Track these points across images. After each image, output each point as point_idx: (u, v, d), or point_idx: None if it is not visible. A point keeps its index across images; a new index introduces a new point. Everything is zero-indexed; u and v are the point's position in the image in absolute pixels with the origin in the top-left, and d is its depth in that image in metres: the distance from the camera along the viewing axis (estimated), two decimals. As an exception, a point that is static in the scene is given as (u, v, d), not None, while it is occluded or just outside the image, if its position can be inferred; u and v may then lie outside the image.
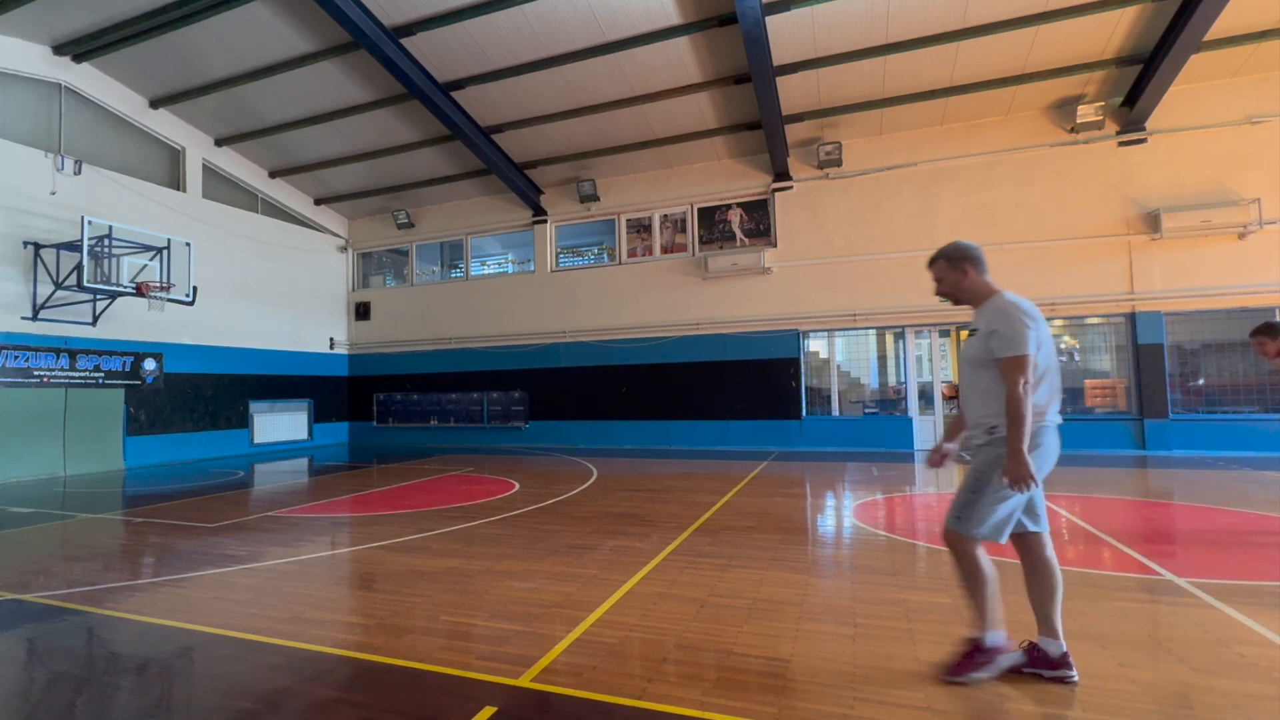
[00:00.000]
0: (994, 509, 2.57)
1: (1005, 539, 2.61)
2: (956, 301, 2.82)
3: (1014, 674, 2.59)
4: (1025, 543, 2.68)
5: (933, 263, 2.83)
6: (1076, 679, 2.54)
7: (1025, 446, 2.41)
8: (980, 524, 2.60)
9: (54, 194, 10.65)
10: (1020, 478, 2.41)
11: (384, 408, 16.30)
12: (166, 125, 12.74)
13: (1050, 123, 11.26)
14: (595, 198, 14.05)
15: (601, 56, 10.57)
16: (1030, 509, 2.63)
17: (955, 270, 2.76)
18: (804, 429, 12.59)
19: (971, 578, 2.64)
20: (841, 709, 2.38)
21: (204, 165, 13.47)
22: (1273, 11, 9.13)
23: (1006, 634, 2.62)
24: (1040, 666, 2.59)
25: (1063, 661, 2.57)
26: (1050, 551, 2.66)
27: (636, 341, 13.84)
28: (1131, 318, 10.81)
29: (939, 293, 2.86)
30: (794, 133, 12.21)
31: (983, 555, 2.65)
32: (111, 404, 11.37)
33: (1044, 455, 2.57)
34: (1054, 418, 2.62)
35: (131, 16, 10.10)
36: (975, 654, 2.59)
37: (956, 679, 2.57)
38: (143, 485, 9.25)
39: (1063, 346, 11.52)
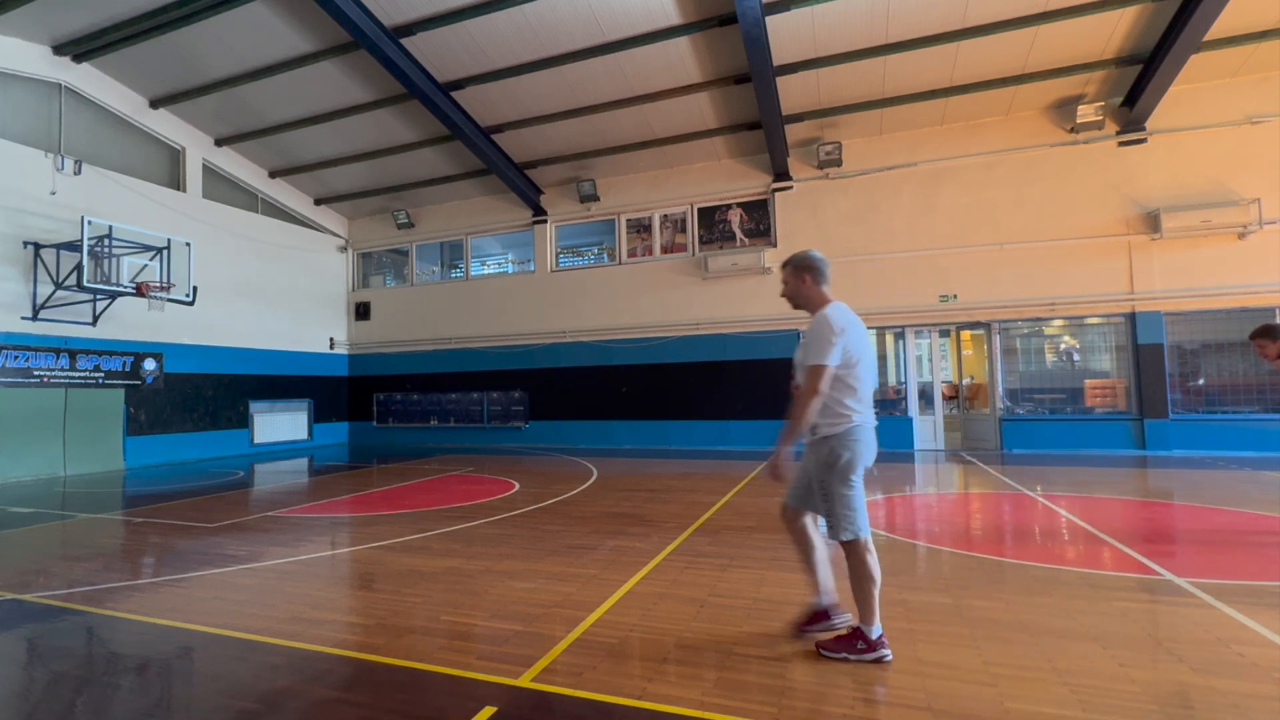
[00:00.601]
0: (856, 503, 2.81)
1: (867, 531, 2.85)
2: (796, 306, 3.03)
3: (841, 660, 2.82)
4: (790, 514, 3.01)
5: (784, 266, 3.04)
6: (890, 656, 2.78)
7: (789, 443, 2.73)
8: (856, 524, 2.81)
9: (54, 194, 10.65)
10: (775, 475, 2.75)
11: (384, 408, 16.30)
12: (166, 125, 12.74)
13: (1050, 123, 11.26)
14: (595, 198, 14.05)
15: (601, 56, 10.57)
16: (801, 487, 2.95)
17: (796, 278, 2.98)
18: (804, 429, 12.56)
19: (868, 579, 2.84)
20: (841, 709, 2.38)
21: (204, 165, 13.47)
22: (1273, 11, 9.13)
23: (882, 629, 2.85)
24: (854, 648, 2.83)
25: (881, 641, 2.80)
26: (812, 527, 3.02)
27: (636, 341, 13.84)
28: (1131, 318, 10.81)
29: (783, 294, 3.07)
30: (794, 133, 12.21)
31: (874, 554, 2.87)
32: (111, 404, 11.37)
33: (866, 454, 2.82)
34: (870, 419, 2.87)
35: (131, 16, 10.10)
36: (857, 639, 2.81)
37: (839, 655, 2.80)
38: (143, 485, 9.25)
39: (1062, 346, 11.53)
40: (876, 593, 2.82)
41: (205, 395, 13.02)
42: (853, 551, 2.83)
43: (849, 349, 2.77)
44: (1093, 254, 10.96)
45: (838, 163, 12.18)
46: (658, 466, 10.19)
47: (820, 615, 3.00)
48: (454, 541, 5.23)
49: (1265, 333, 5.00)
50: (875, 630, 2.80)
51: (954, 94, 10.86)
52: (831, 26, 9.77)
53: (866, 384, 2.81)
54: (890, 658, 2.78)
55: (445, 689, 2.61)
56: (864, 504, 2.84)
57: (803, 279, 2.95)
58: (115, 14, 10.10)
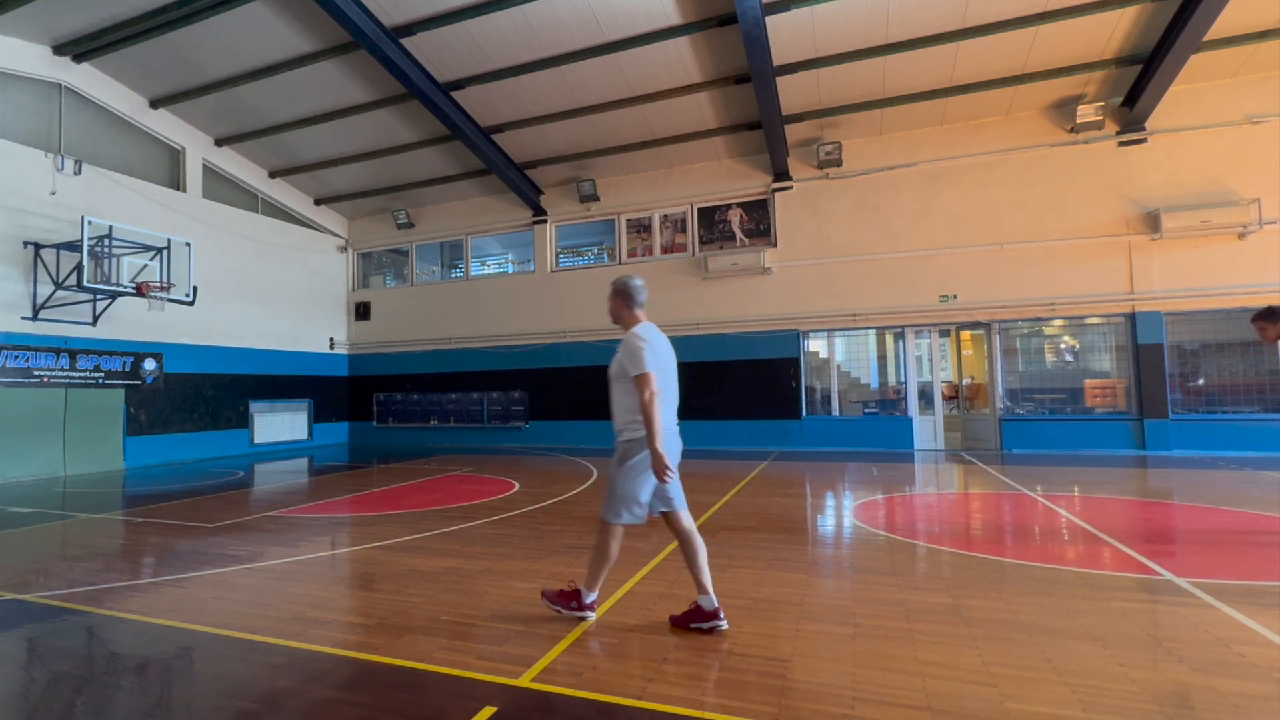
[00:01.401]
0: (630, 495, 3.19)
1: (641, 519, 3.21)
2: (615, 322, 3.45)
3: (685, 629, 3.15)
4: (667, 519, 3.30)
5: (610, 288, 3.45)
6: (726, 627, 3.13)
7: (659, 444, 3.01)
8: (620, 511, 3.20)
9: (54, 194, 10.64)
10: (659, 469, 3.03)
11: (384, 408, 16.30)
12: (166, 125, 12.74)
13: (1050, 123, 11.26)
14: (595, 198, 14.05)
15: (601, 56, 10.57)
16: (661, 495, 3.23)
17: (615, 300, 3.42)
18: (804, 429, 12.59)
19: (605, 558, 3.26)
20: (841, 709, 2.38)
21: (204, 165, 13.47)
22: (1273, 11, 9.13)
23: (596, 596, 3.32)
24: (698, 620, 3.15)
25: (714, 614, 3.14)
26: (687, 523, 3.25)
27: (636, 341, 13.80)
28: (1131, 318, 10.81)
29: (609, 311, 3.48)
30: (794, 133, 12.21)
31: (619, 537, 3.26)
32: (111, 404, 11.36)
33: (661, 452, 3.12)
34: (671, 423, 3.25)
35: (131, 16, 10.10)
36: (579, 602, 3.29)
37: (560, 608, 3.31)
38: (143, 485, 9.25)
39: (1062, 346, 11.52)
40: (605, 570, 3.30)
41: (205, 395, 13.02)
42: (605, 530, 3.25)
43: (655, 359, 3.16)
44: (1093, 254, 10.96)
45: (838, 163, 12.18)
46: (658, 466, 10.17)
47: (694, 614, 3.21)
48: (454, 541, 5.23)
49: (1266, 314, 5.02)
50: (590, 596, 3.32)
51: (954, 94, 10.86)
52: (831, 26, 9.77)
53: (667, 394, 3.20)
54: (593, 617, 3.30)
55: (445, 689, 2.61)
56: (644, 498, 3.20)
57: (619, 301, 3.39)
58: (115, 14, 10.10)
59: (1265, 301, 10.01)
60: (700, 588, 3.17)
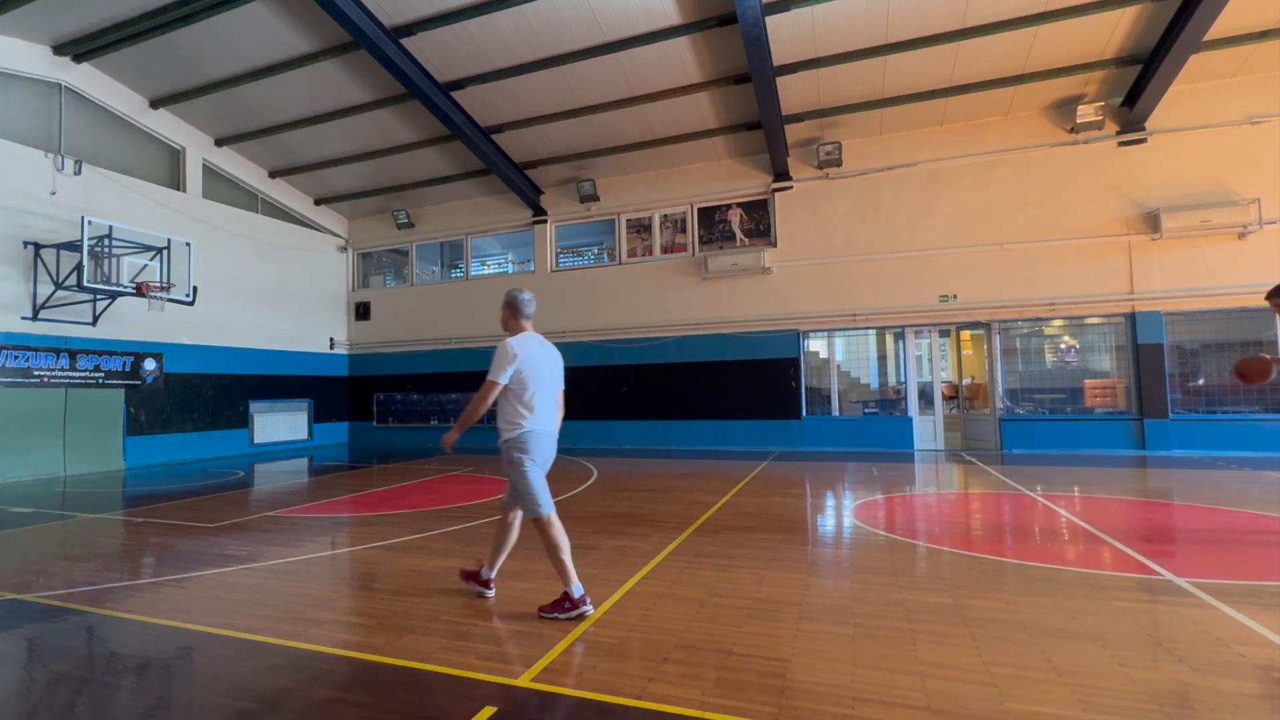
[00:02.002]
0: (533, 489, 3.44)
1: (552, 505, 3.49)
2: (505, 330, 3.70)
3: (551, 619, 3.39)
4: (505, 508, 3.66)
5: (504, 297, 3.73)
6: (592, 610, 3.42)
7: (457, 433, 3.54)
8: (538, 505, 3.43)
9: (54, 194, 10.65)
10: (446, 444, 3.58)
11: (384, 408, 16.29)
12: (166, 125, 12.74)
13: (1050, 123, 11.26)
14: (595, 198, 14.05)
15: (601, 57, 10.57)
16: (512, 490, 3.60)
17: (505, 310, 3.69)
18: (804, 429, 12.59)
19: (554, 548, 3.43)
20: (841, 709, 2.38)
21: (204, 165, 13.47)
22: (1273, 11, 9.13)
23: (582, 587, 3.46)
24: (473, 580, 3.72)
25: (487, 582, 3.69)
26: (514, 519, 3.69)
27: (636, 341, 13.84)
28: (1131, 318, 10.81)
29: (500, 320, 3.75)
30: (794, 133, 12.22)
31: (557, 526, 3.46)
32: (111, 404, 11.36)
33: (536, 453, 3.47)
34: (544, 425, 3.53)
35: (131, 16, 10.10)
36: (565, 602, 3.42)
37: (550, 615, 3.40)
38: (143, 485, 9.25)
39: (1062, 346, 11.52)
40: (567, 558, 3.42)
41: (205, 395, 13.01)
42: (540, 527, 3.45)
43: (523, 371, 3.44)
44: (1092, 254, 10.96)
45: (838, 163, 12.18)
46: (658, 466, 10.19)
47: (474, 576, 3.77)
48: (454, 541, 5.23)
49: None
50: (576, 590, 3.41)
51: (954, 94, 10.86)
52: (831, 26, 9.77)
53: (540, 399, 3.49)
54: (591, 611, 3.40)
55: (445, 689, 2.61)
56: (543, 488, 3.48)
57: (508, 312, 3.68)
58: (115, 14, 10.10)
59: (1264, 301, 10.02)
60: (489, 566, 3.74)
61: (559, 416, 3.69)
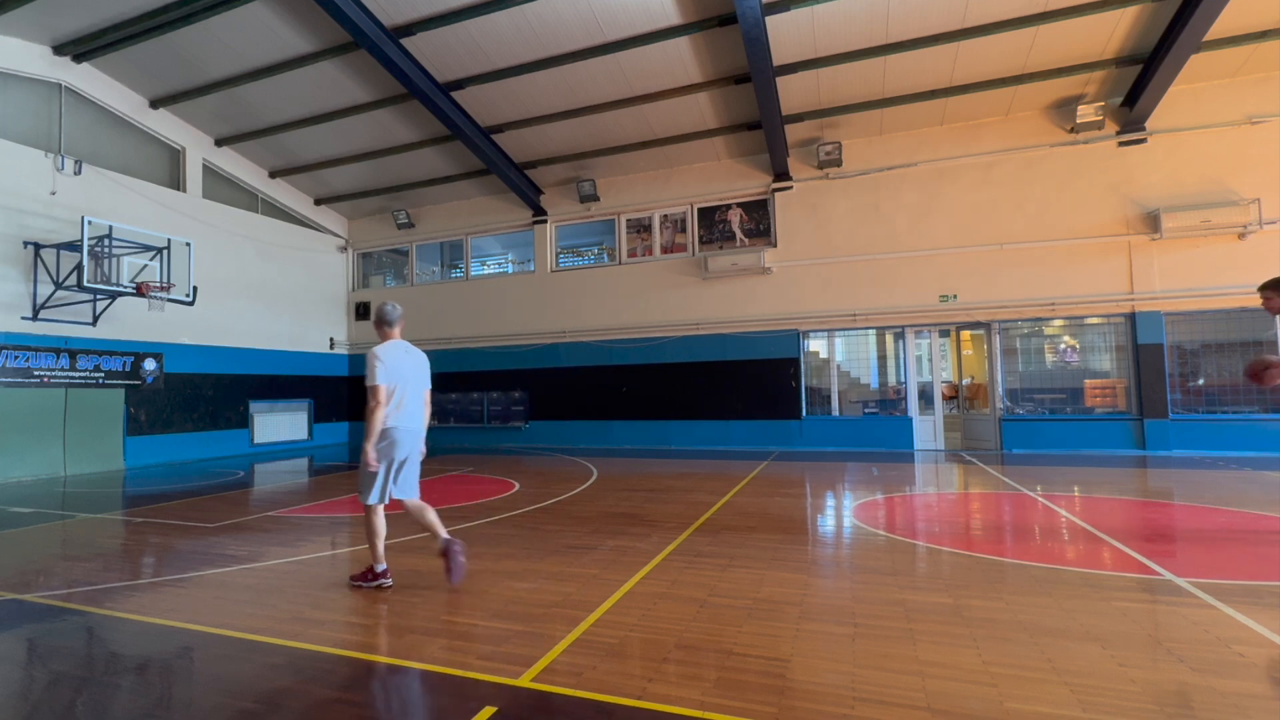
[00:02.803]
0: (370, 481, 3.95)
1: (385, 501, 4.01)
2: (379, 337, 4.16)
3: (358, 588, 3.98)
4: (400, 504, 4.12)
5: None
6: (390, 584, 3.99)
7: (372, 443, 3.85)
8: (368, 493, 3.97)
9: (54, 194, 10.65)
10: (364, 463, 3.88)
11: (384, 408, 16.26)
12: (166, 125, 12.74)
13: (1050, 123, 11.26)
14: (595, 198, 14.05)
15: (601, 56, 10.57)
16: (396, 482, 4.02)
17: (376, 328, 4.18)
18: (804, 429, 12.59)
19: (372, 533, 4.02)
20: (841, 709, 2.38)
21: (204, 165, 13.47)
22: (1273, 11, 9.13)
23: (386, 566, 4.05)
24: (364, 579, 4.04)
25: (382, 575, 4.03)
26: (411, 507, 4.10)
27: (636, 341, 13.84)
28: (1131, 318, 10.81)
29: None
30: (794, 133, 12.22)
31: (380, 517, 4.04)
32: (111, 404, 11.36)
33: (391, 446, 3.95)
34: (407, 424, 4.00)
35: (131, 16, 10.10)
36: (369, 574, 4.01)
37: (357, 584, 3.99)
38: (143, 485, 9.25)
39: (1062, 346, 11.52)
40: (380, 544, 4.01)
41: (205, 395, 13.01)
42: (366, 512, 4.02)
43: (387, 374, 3.90)
44: (1093, 254, 10.96)
45: (838, 163, 12.18)
46: (658, 466, 10.19)
47: (448, 553, 3.97)
48: (454, 541, 5.22)
49: (1275, 285, 4.76)
50: (380, 567, 4.03)
51: (954, 94, 10.86)
52: (831, 26, 9.77)
53: (405, 399, 3.99)
54: (389, 584, 4.00)
55: (445, 689, 2.61)
56: (380, 483, 3.95)
57: (375, 322, 4.18)
58: (115, 14, 10.10)
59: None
60: (375, 558, 4.05)
61: (425, 415, 4.20)
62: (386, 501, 4.01)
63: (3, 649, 3.19)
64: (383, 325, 4.13)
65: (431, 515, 4.07)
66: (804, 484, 8.02)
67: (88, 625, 3.47)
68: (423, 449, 4.21)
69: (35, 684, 2.79)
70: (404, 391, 3.98)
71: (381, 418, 3.84)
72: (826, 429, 12.47)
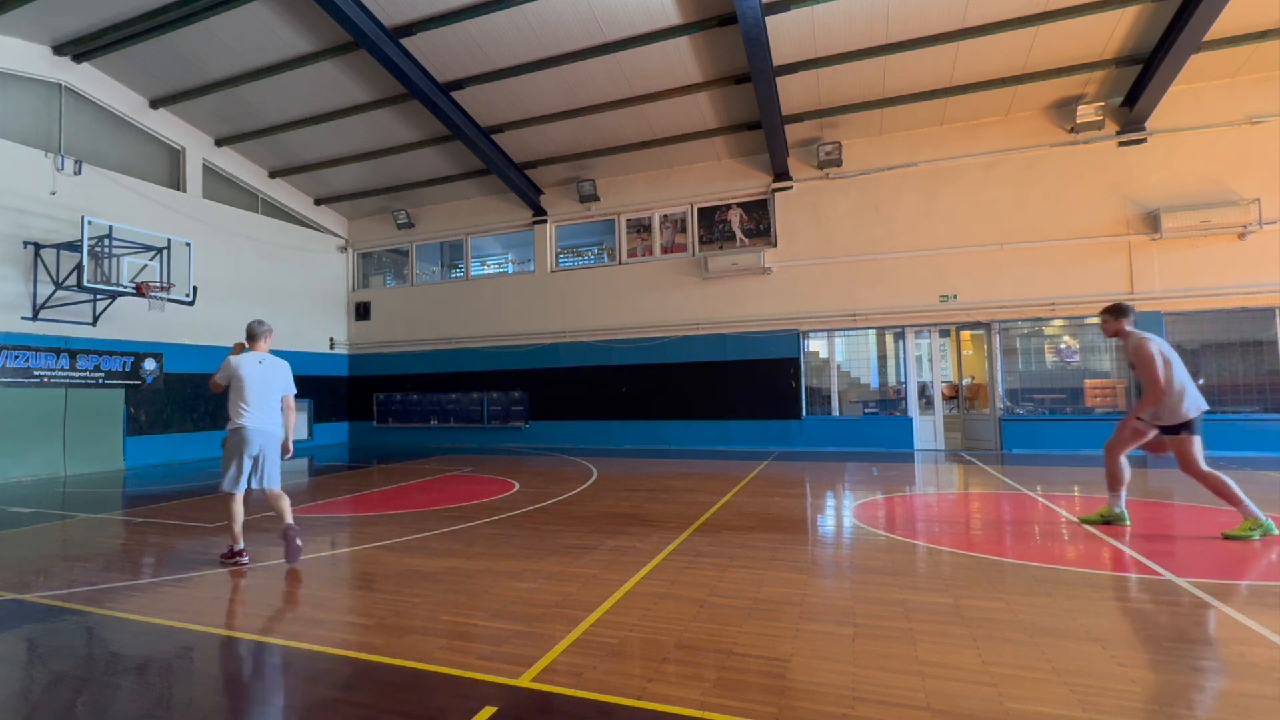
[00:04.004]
0: (228, 469, 4.62)
1: (240, 489, 4.60)
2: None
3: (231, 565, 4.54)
4: (263, 493, 4.73)
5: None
6: (246, 562, 4.58)
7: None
8: (225, 481, 4.61)
9: (54, 194, 10.65)
10: (284, 452, 4.74)
11: (384, 408, 16.30)
12: (166, 125, 12.74)
13: (1050, 123, 11.26)
14: (595, 198, 14.05)
15: (601, 56, 10.57)
16: (254, 473, 4.65)
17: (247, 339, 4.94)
18: (804, 429, 12.59)
19: (231, 517, 4.60)
20: (841, 709, 2.38)
21: (204, 165, 13.47)
22: (1273, 11, 9.13)
23: (244, 545, 4.67)
24: (229, 558, 4.63)
25: (240, 554, 4.61)
26: (270, 497, 4.71)
27: (636, 341, 13.84)
28: (1131, 318, 10.79)
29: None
30: (794, 133, 12.22)
31: (237, 501, 4.63)
32: (111, 404, 11.36)
33: (242, 443, 4.59)
34: (256, 424, 4.65)
35: (131, 16, 10.10)
36: (230, 553, 4.60)
37: (225, 564, 4.56)
38: (143, 485, 9.25)
39: (1062, 346, 11.52)
40: (238, 527, 4.60)
41: (205, 395, 13.01)
42: (223, 499, 4.64)
43: (235, 375, 4.66)
44: (1093, 254, 10.96)
45: (838, 163, 12.18)
46: (658, 466, 10.19)
47: (286, 536, 4.57)
48: (454, 541, 5.23)
49: (1113, 310, 5.13)
50: (238, 546, 4.60)
51: (954, 94, 10.86)
52: (831, 26, 9.77)
53: (253, 400, 4.65)
54: (246, 562, 4.56)
55: (445, 689, 2.61)
56: (236, 473, 4.57)
57: (246, 340, 4.91)
58: (115, 14, 10.10)
59: (1265, 302, 10.04)
60: (234, 539, 4.62)
61: (286, 418, 4.87)
62: (243, 490, 4.60)
63: (3, 649, 3.19)
64: (249, 339, 4.94)
65: (285, 504, 4.70)
66: (804, 484, 8.02)
67: (88, 625, 3.47)
68: (289, 448, 4.89)
69: (35, 684, 2.79)
70: (258, 395, 4.66)
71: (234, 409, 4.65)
72: (826, 429, 12.47)
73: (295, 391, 4.98)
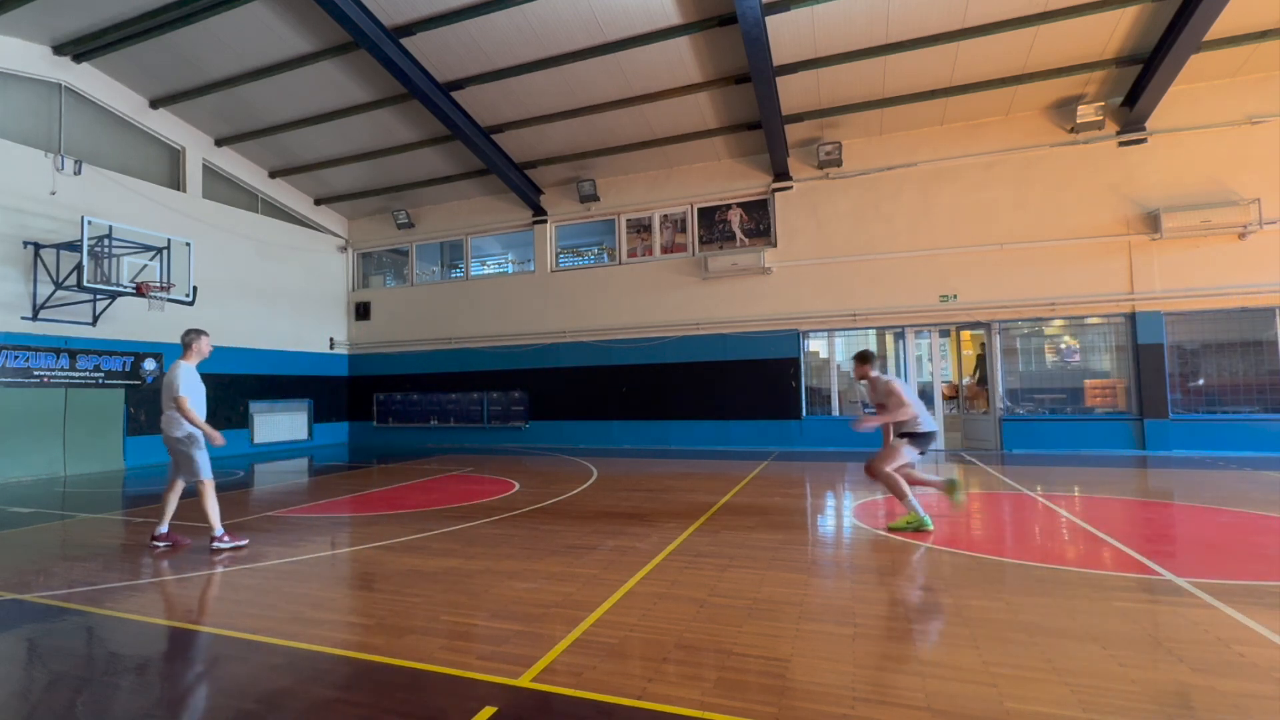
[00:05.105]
0: (197, 465, 5.29)
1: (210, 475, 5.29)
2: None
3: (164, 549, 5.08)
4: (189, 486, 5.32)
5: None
6: (160, 548, 5.15)
7: (200, 435, 5.30)
8: (200, 472, 5.26)
9: (54, 194, 10.65)
10: (211, 439, 5.31)
11: (384, 408, 16.30)
12: (166, 125, 12.74)
13: (1050, 123, 11.26)
14: (595, 198, 14.05)
15: (601, 57, 10.57)
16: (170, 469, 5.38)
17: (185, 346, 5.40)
18: (804, 429, 12.59)
19: (208, 502, 5.16)
20: (841, 709, 2.38)
21: (204, 165, 13.47)
22: (1273, 11, 9.13)
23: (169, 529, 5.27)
24: (163, 541, 5.23)
25: (165, 538, 5.26)
26: (198, 489, 5.25)
27: (636, 341, 13.84)
28: (1131, 318, 10.81)
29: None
30: (794, 133, 12.21)
31: (210, 490, 5.23)
32: (111, 404, 11.36)
33: (203, 443, 5.30)
34: (188, 430, 5.25)
35: (131, 16, 10.10)
36: (164, 538, 5.21)
37: (154, 545, 5.17)
38: (143, 485, 9.25)
39: (1062, 346, 11.53)
40: (169, 502, 5.33)
41: (205, 395, 12.98)
42: (202, 487, 5.26)
43: (193, 387, 5.22)
44: (1093, 254, 10.96)
45: (838, 163, 12.18)
46: (658, 466, 10.19)
47: (165, 537, 5.25)
48: (454, 541, 5.23)
49: (860, 356, 5.79)
50: (218, 531, 5.10)
51: (954, 94, 10.86)
52: (831, 26, 9.77)
53: (199, 408, 5.29)
54: (160, 547, 5.15)
55: (445, 689, 2.61)
56: (206, 464, 5.33)
57: (185, 349, 5.37)
58: (115, 14, 10.10)
59: (1265, 302, 10.05)
60: (164, 522, 5.26)
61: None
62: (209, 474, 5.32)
63: (3, 649, 3.19)
64: (185, 350, 5.35)
65: (174, 502, 5.40)
66: (804, 484, 8.02)
67: (88, 625, 3.47)
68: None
69: (35, 684, 2.79)
70: (197, 403, 5.30)
71: (198, 419, 5.21)
72: (826, 429, 12.47)
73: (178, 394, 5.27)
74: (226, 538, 5.08)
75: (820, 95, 11.30)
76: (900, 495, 5.46)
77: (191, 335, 5.37)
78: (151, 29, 10.32)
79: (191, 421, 5.14)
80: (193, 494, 5.33)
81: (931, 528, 5.32)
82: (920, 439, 5.56)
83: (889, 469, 5.48)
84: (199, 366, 5.49)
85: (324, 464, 11.70)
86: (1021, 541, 5.00)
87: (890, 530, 5.37)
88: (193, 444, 5.26)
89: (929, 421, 5.63)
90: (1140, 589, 3.71)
